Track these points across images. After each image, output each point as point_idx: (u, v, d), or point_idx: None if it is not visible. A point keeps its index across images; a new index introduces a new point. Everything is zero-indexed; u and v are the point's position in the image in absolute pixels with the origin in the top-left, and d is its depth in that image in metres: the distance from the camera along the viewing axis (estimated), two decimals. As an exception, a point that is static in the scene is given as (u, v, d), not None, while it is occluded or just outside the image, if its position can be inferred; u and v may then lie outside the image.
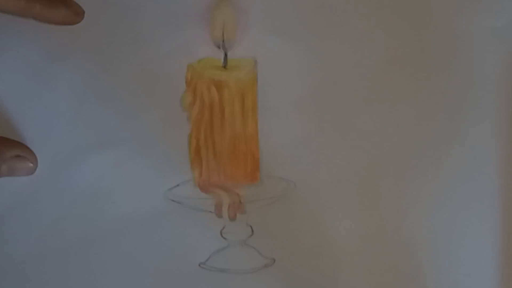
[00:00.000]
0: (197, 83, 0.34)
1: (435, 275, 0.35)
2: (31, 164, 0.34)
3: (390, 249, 0.35)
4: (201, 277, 0.35)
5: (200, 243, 0.35)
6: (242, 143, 0.34)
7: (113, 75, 0.34)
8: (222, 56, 0.34)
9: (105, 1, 0.34)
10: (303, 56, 0.34)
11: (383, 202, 0.35)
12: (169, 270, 0.35)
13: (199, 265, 0.35)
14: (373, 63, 0.34)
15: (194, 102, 0.34)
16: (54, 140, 0.34)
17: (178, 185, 0.35)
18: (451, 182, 0.35)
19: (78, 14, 0.32)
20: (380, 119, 0.35)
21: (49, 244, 0.35)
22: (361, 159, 0.35)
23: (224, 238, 0.35)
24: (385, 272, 0.35)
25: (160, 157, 0.34)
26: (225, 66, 0.34)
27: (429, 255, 0.35)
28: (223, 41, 0.34)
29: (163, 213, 0.35)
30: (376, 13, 0.34)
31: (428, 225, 0.35)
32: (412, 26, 0.34)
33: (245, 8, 0.34)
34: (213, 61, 0.34)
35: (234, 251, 0.35)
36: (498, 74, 0.34)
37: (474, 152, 0.35)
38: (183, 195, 0.35)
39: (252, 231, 0.35)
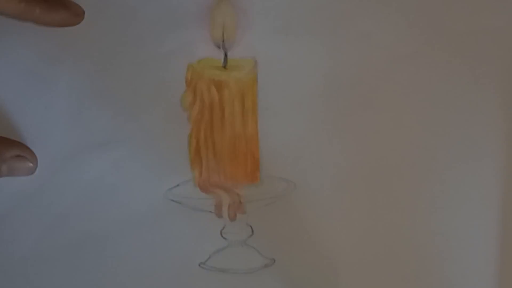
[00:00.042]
0: (197, 83, 0.34)
1: (435, 275, 0.35)
2: (31, 164, 0.34)
3: (390, 249, 0.35)
4: (201, 277, 0.35)
5: (200, 243, 0.35)
6: (242, 143, 0.34)
7: (113, 75, 0.34)
8: (222, 56, 0.34)
9: (105, 1, 0.34)
10: (303, 56, 0.34)
11: (383, 202, 0.35)
12: (169, 270, 0.35)
13: (199, 265, 0.35)
14: (373, 63, 0.34)
15: (194, 102, 0.34)
16: (54, 140, 0.34)
17: (178, 185, 0.35)
18: (451, 182, 0.35)
19: (78, 15, 0.32)
20: (380, 119, 0.35)
21: (49, 244, 0.35)
22: (361, 159, 0.35)
23: (224, 238, 0.35)
24: (385, 272, 0.35)
25: (160, 157, 0.34)
26: (225, 66, 0.34)
27: (429, 255, 0.35)
28: (223, 41, 0.34)
29: (163, 213, 0.35)
30: (376, 13, 0.34)
31: (428, 225, 0.35)
32: (412, 26, 0.34)
33: (245, 8, 0.34)
34: (213, 61, 0.34)
35: (234, 251, 0.35)
36: (498, 74, 0.34)
37: (474, 152, 0.35)
38: (183, 195, 0.35)
39: (252, 231, 0.35)
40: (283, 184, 0.35)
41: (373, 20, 0.34)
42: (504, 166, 0.35)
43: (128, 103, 0.34)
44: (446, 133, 0.35)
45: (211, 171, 0.34)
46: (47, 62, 0.34)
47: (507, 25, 0.34)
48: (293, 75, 0.34)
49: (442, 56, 0.34)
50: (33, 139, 0.34)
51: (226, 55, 0.34)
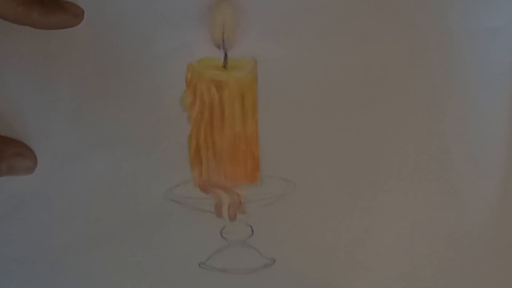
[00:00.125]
0: (197, 83, 0.34)
1: (435, 275, 0.35)
2: (31, 163, 0.34)
3: (390, 249, 0.35)
4: (201, 277, 0.35)
5: (200, 243, 0.35)
6: (242, 143, 0.34)
7: (113, 75, 0.34)
8: (222, 56, 0.34)
9: (105, 1, 0.33)
10: (303, 56, 0.34)
11: (383, 202, 0.35)
12: (169, 270, 0.35)
13: (199, 265, 0.35)
14: (373, 63, 0.34)
15: (194, 102, 0.34)
16: (54, 140, 0.34)
17: (178, 185, 0.35)
18: (451, 181, 0.35)
19: (77, 16, 0.32)
20: (380, 119, 0.34)
21: (49, 244, 0.35)
22: (361, 159, 0.35)
23: (224, 238, 0.35)
24: (385, 272, 0.35)
25: (160, 157, 0.34)
26: (225, 66, 0.34)
27: (429, 255, 0.35)
28: (223, 41, 0.34)
29: (163, 213, 0.35)
30: (376, 13, 0.34)
31: (428, 225, 0.35)
32: (412, 26, 0.34)
33: (245, 8, 0.34)
34: (213, 61, 0.34)
35: (234, 251, 0.35)
36: (498, 74, 0.34)
37: (474, 152, 0.35)
38: (183, 195, 0.35)
39: (252, 231, 0.35)
40: (283, 184, 0.35)
41: (373, 20, 0.34)
42: (504, 166, 0.35)
43: (128, 103, 0.34)
44: (446, 133, 0.35)
45: (211, 171, 0.34)
46: (47, 62, 0.34)
47: (507, 25, 0.34)
48: (293, 75, 0.34)
49: (442, 56, 0.34)
50: (33, 139, 0.34)
51: (226, 55, 0.34)
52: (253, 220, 0.35)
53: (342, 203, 0.35)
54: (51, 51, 0.34)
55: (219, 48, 0.34)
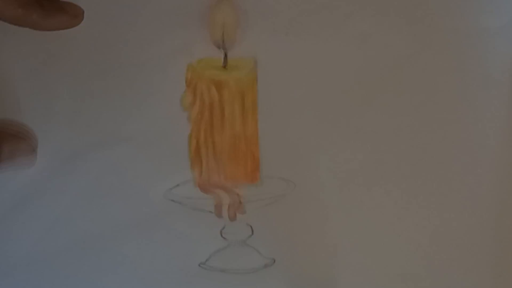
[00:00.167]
0: (197, 83, 0.34)
1: (435, 275, 0.35)
2: (32, 144, 0.33)
3: (390, 249, 0.35)
4: (201, 277, 0.35)
5: (200, 243, 0.35)
6: (242, 143, 0.34)
7: (113, 75, 0.34)
8: (222, 56, 0.34)
9: (105, 1, 0.33)
10: (303, 56, 0.34)
11: (383, 202, 0.35)
12: (169, 270, 0.35)
13: (199, 265, 0.35)
14: (373, 63, 0.34)
15: (194, 102, 0.34)
16: (54, 140, 0.34)
17: (178, 185, 0.35)
18: (451, 181, 0.35)
19: (76, 17, 0.32)
20: (380, 119, 0.34)
21: (49, 244, 0.35)
22: (361, 159, 0.35)
23: (224, 238, 0.35)
24: (385, 272, 0.35)
25: (160, 157, 0.34)
26: (225, 66, 0.34)
27: (429, 255, 0.35)
28: (223, 41, 0.34)
29: (163, 213, 0.35)
30: (376, 13, 0.34)
31: (428, 225, 0.35)
32: (412, 26, 0.34)
33: (245, 8, 0.34)
34: (213, 61, 0.34)
35: (234, 251, 0.35)
36: (498, 74, 0.34)
37: (474, 151, 0.35)
38: (183, 195, 0.35)
39: (252, 231, 0.35)
40: (283, 184, 0.35)
41: (373, 20, 0.34)
42: (504, 166, 0.35)
43: (128, 103, 0.34)
44: (446, 133, 0.35)
45: (211, 171, 0.34)
46: (47, 62, 0.34)
47: (507, 25, 0.34)
48: (293, 75, 0.34)
49: (442, 56, 0.34)
50: (33, 139, 0.34)
51: (226, 55, 0.34)
52: (253, 220, 0.35)
53: (342, 203, 0.35)
54: (51, 52, 0.34)
55: (219, 48, 0.34)
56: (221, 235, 0.35)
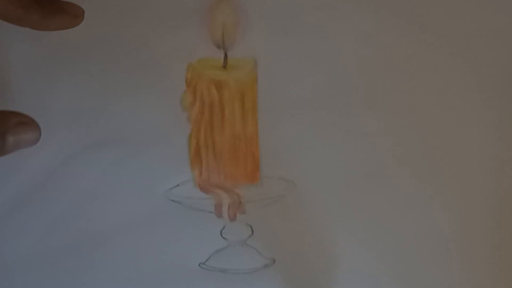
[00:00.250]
0: (197, 83, 0.34)
1: (434, 275, 0.35)
2: (36, 131, 0.32)
3: (390, 248, 0.35)
4: (201, 277, 0.35)
5: (200, 243, 0.35)
6: (242, 143, 0.34)
7: (113, 75, 0.34)
8: (222, 56, 0.34)
9: (105, 1, 0.33)
10: (303, 56, 0.34)
11: (383, 202, 0.35)
12: (169, 270, 0.35)
13: (199, 265, 0.35)
14: (373, 63, 0.34)
15: (194, 102, 0.34)
16: (54, 140, 0.34)
17: (178, 185, 0.35)
18: (451, 181, 0.35)
19: (77, 17, 0.32)
20: (380, 119, 0.34)
21: (49, 244, 0.35)
22: (361, 159, 0.35)
23: (224, 238, 0.35)
24: (385, 272, 0.35)
25: (160, 157, 0.34)
26: (225, 66, 0.34)
27: (429, 255, 0.35)
28: (223, 41, 0.34)
29: (163, 213, 0.35)
30: (376, 13, 0.34)
31: (428, 225, 0.35)
32: (412, 26, 0.34)
33: (245, 8, 0.34)
34: (213, 61, 0.34)
35: (234, 251, 0.35)
36: (498, 74, 0.34)
37: (474, 151, 0.35)
38: (183, 195, 0.35)
39: (252, 231, 0.35)
40: (283, 184, 0.35)
41: (373, 20, 0.34)
42: (504, 166, 0.35)
43: (128, 103, 0.34)
44: (446, 133, 0.35)
45: (211, 171, 0.34)
46: (47, 62, 0.34)
47: (507, 25, 0.34)
48: (293, 75, 0.34)
49: (442, 56, 0.34)
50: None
51: (226, 55, 0.34)
52: (253, 220, 0.35)
53: (342, 203, 0.35)
54: (51, 51, 0.34)
55: (219, 48, 0.34)
56: (221, 235, 0.35)
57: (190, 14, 0.34)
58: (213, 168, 0.34)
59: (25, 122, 0.31)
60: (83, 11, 0.32)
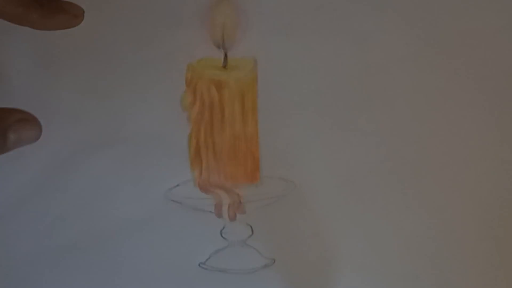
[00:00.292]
0: (197, 83, 0.34)
1: (434, 275, 0.35)
2: (37, 127, 0.32)
3: (390, 248, 0.35)
4: (201, 277, 0.35)
5: (200, 243, 0.35)
6: (242, 143, 0.34)
7: (113, 75, 0.34)
8: (222, 56, 0.34)
9: (105, 1, 0.34)
10: (303, 56, 0.34)
11: (383, 202, 0.35)
12: (169, 270, 0.35)
13: (199, 265, 0.35)
14: (373, 63, 0.34)
15: (194, 102, 0.34)
16: (54, 140, 0.34)
17: (178, 185, 0.35)
18: (451, 181, 0.35)
19: (77, 17, 0.32)
20: (380, 119, 0.35)
21: (49, 244, 0.35)
22: (361, 159, 0.35)
23: (224, 238, 0.35)
24: (385, 272, 0.35)
25: (160, 157, 0.34)
26: (225, 66, 0.34)
27: (429, 255, 0.35)
28: (223, 41, 0.34)
29: (163, 213, 0.35)
30: (376, 13, 0.34)
31: (428, 225, 0.35)
32: (412, 26, 0.34)
33: (245, 8, 0.34)
34: (213, 61, 0.34)
35: (234, 251, 0.35)
36: (498, 74, 0.34)
37: (475, 151, 0.35)
38: (183, 195, 0.35)
39: (252, 231, 0.35)
40: (283, 184, 0.35)
41: (373, 20, 0.34)
42: (504, 166, 0.35)
43: (128, 103, 0.34)
44: (446, 132, 0.35)
45: (211, 171, 0.34)
46: (47, 62, 0.34)
47: (507, 25, 0.34)
48: (293, 75, 0.34)
49: (442, 56, 0.34)
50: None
51: (226, 55, 0.34)
52: (253, 220, 0.35)
53: (342, 203, 0.35)
54: (51, 51, 0.34)
55: (219, 48, 0.34)
56: (221, 235, 0.35)
57: (190, 14, 0.34)
58: (213, 168, 0.34)
59: (26, 119, 0.31)
60: (83, 11, 0.32)
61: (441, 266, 0.35)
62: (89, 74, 0.34)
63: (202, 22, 0.34)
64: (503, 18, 0.34)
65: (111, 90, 0.34)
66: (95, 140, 0.34)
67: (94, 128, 0.34)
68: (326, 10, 0.34)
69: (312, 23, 0.34)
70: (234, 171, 0.34)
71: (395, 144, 0.35)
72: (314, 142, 0.35)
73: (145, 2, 0.34)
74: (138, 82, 0.34)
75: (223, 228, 0.35)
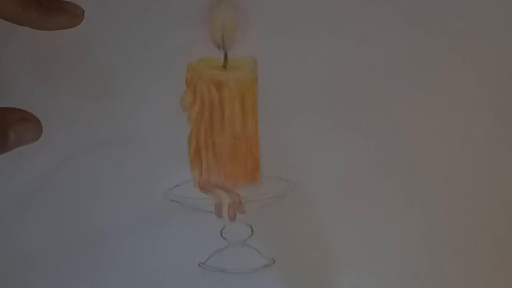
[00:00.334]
0: (197, 83, 0.34)
1: (434, 275, 0.35)
2: (37, 126, 0.32)
3: (390, 248, 0.35)
4: (201, 277, 0.35)
5: (200, 243, 0.35)
6: (242, 143, 0.34)
7: (113, 75, 0.34)
8: (222, 56, 0.34)
9: (105, 1, 0.34)
10: (303, 56, 0.34)
11: (382, 202, 0.35)
12: (169, 270, 0.35)
13: (199, 265, 0.35)
14: (373, 63, 0.34)
15: (194, 102, 0.34)
16: (54, 140, 0.34)
17: (178, 185, 0.35)
18: (451, 181, 0.35)
19: (76, 17, 0.32)
20: (380, 119, 0.35)
21: (49, 244, 0.35)
22: (361, 159, 0.35)
23: (224, 238, 0.35)
24: (385, 272, 0.35)
25: (160, 157, 0.34)
26: (225, 66, 0.34)
27: (429, 255, 0.35)
28: (223, 41, 0.34)
29: (163, 213, 0.35)
30: (376, 13, 0.34)
31: (428, 225, 0.35)
32: (412, 26, 0.34)
33: (245, 8, 0.34)
34: (213, 61, 0.34)
35: (234, 251, 0.35)
36: (498, 74, 0.34)
37: (474, 151, 0.35)
38: (183, 195, 0.35)
39: (252, 231, 0.35)
40: (283, 184, 0.35)
41: (373, 20, 0.34)
42: (504, 166, 0.35)
43: (128, 103, 0.34)
44: (446, 132, 0.35)
45: (211, 171, 0.34)
46: (47, 62, 0.34)
47: (507, 25, 0.34)
48: (293, 75, 0.34)
49: (442, 56, 0.34)
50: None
51: (226, 55, 0.34)
52: (253, 220, 0.35)
53: (342, 203, 0.35)
54: (51, 51, 0.34)
55: (219, 48, 0.34)
56: (221, 235, 0.35)
57: (190, 14, 0.34)
58: (213, 168, 0.34)
59: (27, 118, 0.31)
60: (83, 11, 0.32)
61: (440, 266, 0.35)
62: (89, 74, 0.34)
63: (202, 22, 0.34)
64: (503, 18, 0.34)
65: (111, 90, 0.34)
66: (95, 140, 0.34)
67: (94, 128, 0.34)
68: (326, 10, 0.34)
69: (312, 23, 0.34)
70: (234, 171, 0.34)
71: (395, 144, 0.35)
72: (314, 142, 0.35)
73: (145, 2, 0.34)
74: (138, 82, 0.34)
75: (223, 228, 0.35)
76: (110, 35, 0.34)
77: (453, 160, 0.35)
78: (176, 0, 0.34)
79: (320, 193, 0.35)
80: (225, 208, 0.35)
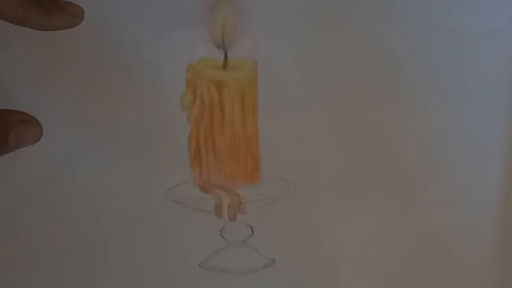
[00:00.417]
0: (197, 83, 0.34)
1: (434, 275, 0.35)
2: (37, 129, 0.32)
3: (390, 248, 0.35)
4: (201, 277, 0.35)
5: (200, 243, 0.35)
6: (242, 143, 0.34)
7: (113, 75, 0.34)
8: (222, 56, 0.34)
9: (105, 1, 0.33)
10: (303, 56, 0.34)
11: (383, 202, 0.35)
12: (169, 270, 0.35)
13: (199, 265, 0.35)
14: (373, 63, 0.34)
15: (194, 102, 0.34)
16: (54, 140, 0.34)
17: (178, 185, 0.35)
18: (451, 182, 0.35)
19: (77, 17, 0.32)
20: (380, 119, 0.34)
21: (49, 244, 0.35)
22: (361, 159, 0.35)
23: (224, 238, 0.35)
24: (385, 272, 0.35)
25: (160, 157, 0.34)
26: (225, 66, 0.34)
27: (429, 255, 0.35)
28: (223, 41, 0.34)
29: (163, 213, 0.35)
30: (376, 13, 0.34)
31: (428, 225, 0.35)
32: (412, 26, 0.34)
33: (245, 8, 0.34)
34: (213, 61, 0.34)
35: (234, 251, 0.35)
36: (498, 74, 0.34)
37: (475, 152, 0.35)
38: (183, 195, 0.35)
39: (252, 231, 0.35)
40: (283, 184, 0.35)
41: (373, 20, 0.34)
42: (504, 167, 0.35)
43: (128, 103, 0.34)
44: (446, 133, 0.35)
45: (211, 171, 0.34)
46: (47, 62, 0.34)
47: (507, 25, 0.34)
48: (293, 75, 0.34)
49: (442, 56, 0.34)
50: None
51: (226, 55, 0.34)
52: (253, 220, 0.35)
53: (342, 203, 0.35)
54: (51, 51, 0.34)
55: (219, 48, 0.34)
56: (221, 235, 0.35)
57: (190, 14, 0.34)
58: (213, 168, 0.34)
59: (27, 120, 0.31)
60: (83, 11, 0.32)
61: (441, 266, 0.35)
62: (89, 74, 0.34)
63: (202, 22, 0.34)
64: (503, 18, 0.34)
65: (111, 90, 0.34)
66: (95, 140, 0.34)
67: (94, 128, 0.34)
68: (326, 10, 0.34)
69: (312, 23, 0.34)
70: (234, 171, 0.34)
71: (395, 144, 0.35)
72: (314, 142, 0.35)
73: (145, 2, 0.34)
74: (138, 82, 0.34)
75: (223, 228, 0.35)
76: (110, 35, 0.34)
77: (454, 160, 0.35)
78: (176, 0, 0.34)
79: (320, 193, 0.35)
80: (225, 208, 0.35)
